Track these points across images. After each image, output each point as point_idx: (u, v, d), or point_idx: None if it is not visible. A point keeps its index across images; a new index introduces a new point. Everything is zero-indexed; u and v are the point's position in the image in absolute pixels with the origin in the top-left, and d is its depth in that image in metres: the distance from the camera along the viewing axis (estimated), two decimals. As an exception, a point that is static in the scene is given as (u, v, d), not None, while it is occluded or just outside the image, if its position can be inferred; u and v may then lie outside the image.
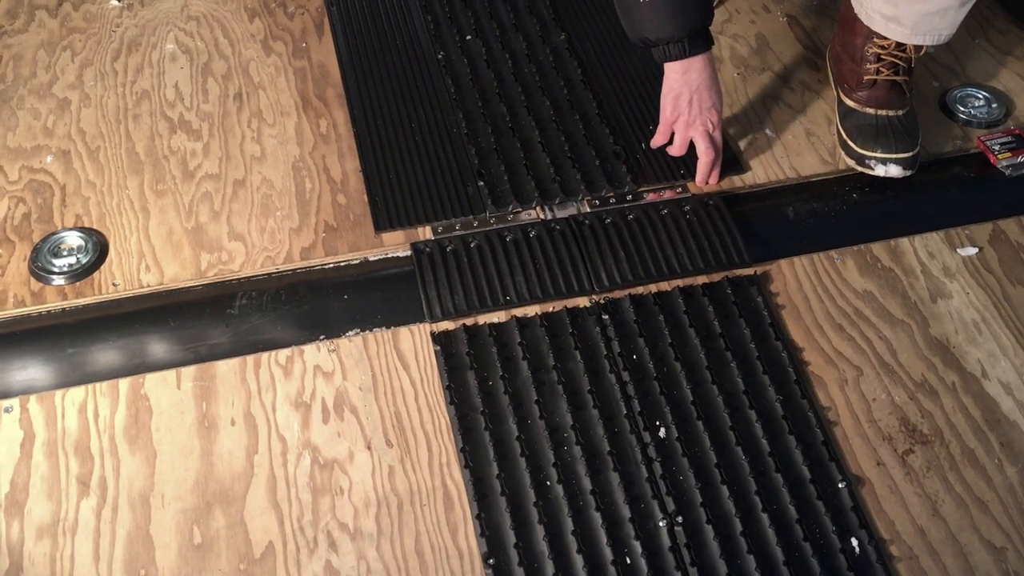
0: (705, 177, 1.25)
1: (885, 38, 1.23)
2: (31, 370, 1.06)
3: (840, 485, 0.99)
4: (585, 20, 1.49)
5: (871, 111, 1.26)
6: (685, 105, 1.21)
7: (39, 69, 1.42)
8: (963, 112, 1.36)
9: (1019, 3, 1.52)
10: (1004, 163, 1.27)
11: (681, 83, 1.20)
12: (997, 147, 1.28)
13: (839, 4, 1.49)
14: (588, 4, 1.52)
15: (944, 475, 1.01)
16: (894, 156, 1.23)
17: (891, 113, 1.25)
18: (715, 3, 1.53)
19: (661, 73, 1.21)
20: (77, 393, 1.05)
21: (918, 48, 1.23)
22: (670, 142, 1.27)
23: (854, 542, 0.96)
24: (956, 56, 1.45)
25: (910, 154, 1.23)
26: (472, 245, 1.17)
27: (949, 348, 1.12)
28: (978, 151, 1.31)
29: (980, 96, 1.38)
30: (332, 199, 1.24)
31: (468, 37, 1.47)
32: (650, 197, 1.24)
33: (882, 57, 1.24)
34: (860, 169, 1.26)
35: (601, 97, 1.37)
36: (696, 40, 1.15)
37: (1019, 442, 1.04)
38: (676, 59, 1.17)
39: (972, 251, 1.21)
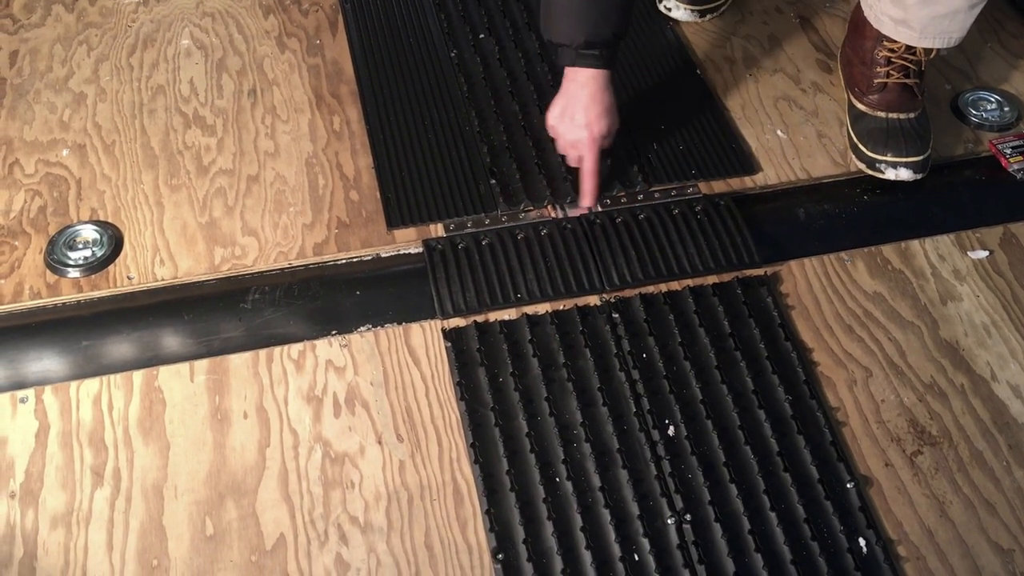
0: (584, 197, 1.22)
1: (895, 41, 1.23)
2: (46, 361, 1.08)
3: (848, 485, 1.00)
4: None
5: (882, 114, 1.26)
6: (557, 114, 1.19)
7: (55, 63, 1.43)
8: (975, 115, 1.36)
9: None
10: (1016, 167, 1.27)
11: (563, 89, 1.17)
12: (1009, 151, 1.29)
13: (851, 6, 1.50)
14: (601, 4, 1.52)
15: (952, 477, 1.02)
16: (905, 160, 1.23)
17: (902, 116, 1.25)
18: (724, 5, 1.53)
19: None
20: (92, 384, 1.06)
21: (928, 51, 1.23)
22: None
23: (861, 542, 0.96)
24: (968, 59, 1.45)
25: (921, 158, 1.24)
26: (484, 243, 1.18)
27: (959, 350, 1.12)
28: (989, 154, 1.31)
29: (992, 99, 1.38)
30: (345, 195, 1.25)
31: (481, 36, 1.47)
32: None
33: (892, 60, 1.25)
34: (870, 173, 1.26)
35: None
36: (586, 52, 1.11)
37: (1027, 445, 1.04)
38: (566, 64, 1.14)
39: (983, 254, 1.21)
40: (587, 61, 1.12)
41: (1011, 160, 1.27)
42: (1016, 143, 1.29)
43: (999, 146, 1.30)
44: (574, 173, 1.23)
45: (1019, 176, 1.27)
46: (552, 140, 1.25)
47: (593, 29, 1.10)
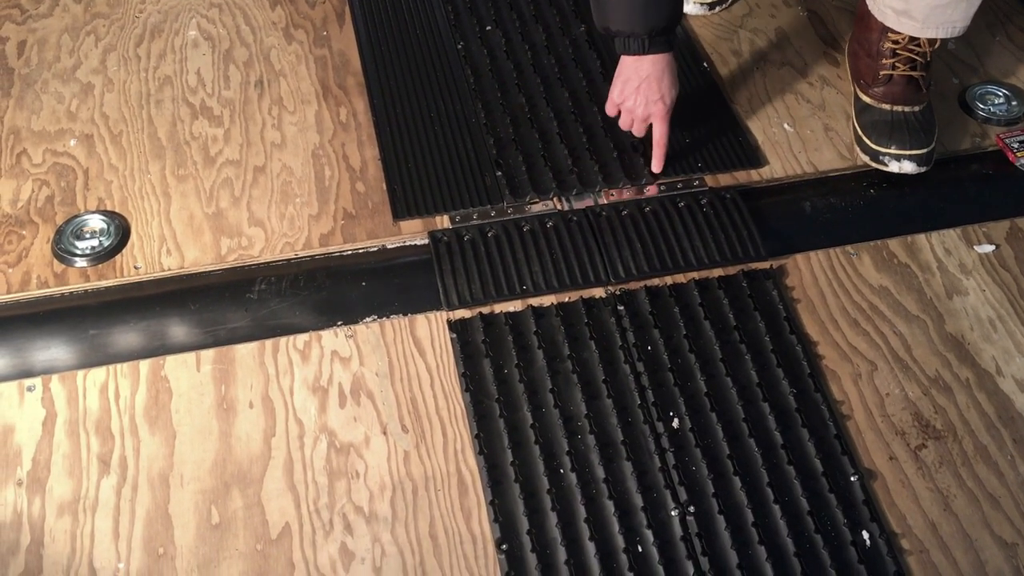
0: (656, 163, 1.26)
1: (898, 32, 1.23)
2: (53, 350, 1.08)
3: (852, 478, 1.00)
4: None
5: (887, 107, 1.26)
6: (632, 91, 1.21)
7: (63, 53, 1.44)
8: (982, 109, 1.36)
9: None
10: (1023, 161, 1.27)
11: (632, 70, 1.20)
12: (1016, 145, 1.28)
13: (859, -1, 1.50)
14: (608, -4, 1.52)
15: (956, 470, 1.02)
16: (908, 152, 1.23)
17: (907, 109, 1.25)
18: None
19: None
20: (98, 373, 1.06)
21: (932, 42, 1.22)
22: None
23: (865, 535, 0.96)
24: (976, 53, 1.44)
25: (925, 151, 1.23)
26: (489, 234, 1.18)
27: (964, 345, 1.12)
28: (996, 148, 1.31)
29: (1000, 93, 1.38)
30: (351, 187, 1.25)
31: (488, 28, 1.47)
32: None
33: (897, 52, 1.24)
34: (874, 165, 1.26)
35: (619, 90, 1.37)
36: (656, 40, 1.15)
37: (1032, 439, 1.04)
38: (634, 54, 1.17)
39: (989, 248, 1.21)
40: (658, 48, 1.16)
41: (1018, 154, 1.27)
42: (1023, 137, 1.29)
43: (1006, 140, 1.29)
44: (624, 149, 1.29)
45: None
46: (600, 125, 1.32)
47: (664, 18, 1.14)
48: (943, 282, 1.18)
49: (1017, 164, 1.27)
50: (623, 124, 1.27)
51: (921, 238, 1.22)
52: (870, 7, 1.25)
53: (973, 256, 1.20)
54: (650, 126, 1.24)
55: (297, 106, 1.35)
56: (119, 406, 1.04)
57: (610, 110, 1.27)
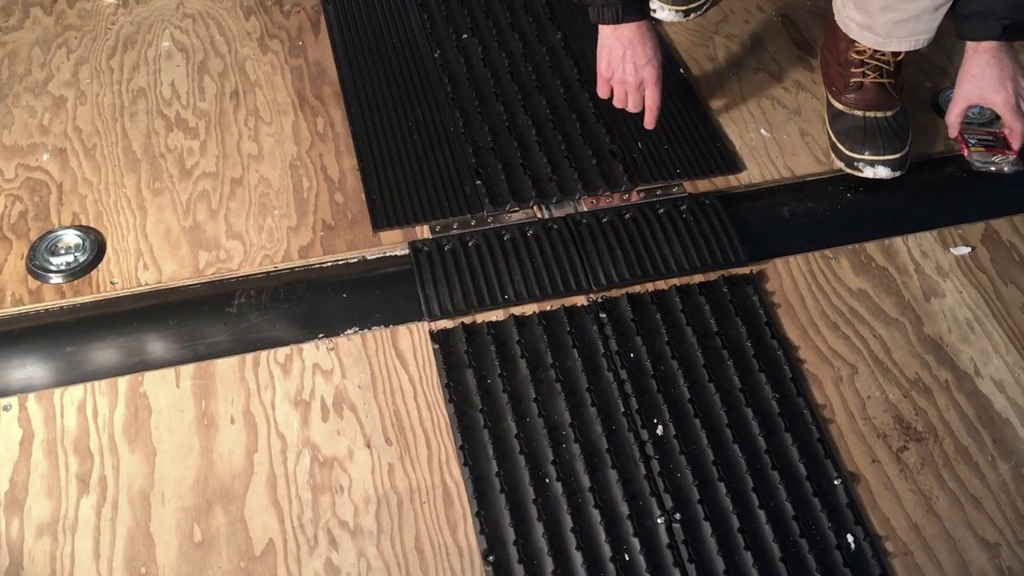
0: (649, 124, 1.26)
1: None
2: (30, 368, 1.07)
3: (836, 482, 1.00)
4: (581, 19, 1.50)
5: (859, 113, 1.27)
6: (619, 60, 1.21)
7: (34, 66, 1.42)
8: (955, 112, 1.37)
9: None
10: (975, 156, 1.26)
11: (613, 40, 1.20)
12: (973, 141, 1.27)
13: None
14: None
15: (938, 472, 1.02)
16: (882, 158, 1.24)
17: (879, 115, 1.26)
18: (707, 3, 1.54)
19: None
20: (76, 391, 1.05)
21: (896, 53, 1.24)
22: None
23: (850, 538, 0.97)
24: (947, 56, 1.46)
25: (898, 155, 1.25)
26: (470, 244, 1.18)
27: (943, 346, 1.13)
28: (970, 151, 1.32)
29: (972, 96, 1.39)
30: (330, 198, 1.24)
31: (464, 36, 1.47)
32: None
33: (865, 61, 1.26)
34: (849, 171, 1.27)
35: (597, 97, 1.37)
36: (629, 7, 1.15)
37: (1011, 439, 1.05)
38: (608, 23, 1.17)
39: (965, 250, 1.22)
40: (631, 15, 1.16)
41: (972, 149, 1.26)
42: (983, 136, 1.28)
43: (965, 135, 1.28)
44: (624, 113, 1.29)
45: (974, 165, 1.26)
46: (593, 110, 1.32)
47: None
48: (920, 284, 1.19)
49: (968, 158, 1.26)
50: (617, 100, 1.26)
51: (898, 241, 1.23)
52: (836, 18, 1.26)
53: (949, 258, 1.21)
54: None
55: (274, 117, 1.35)
56: (98, 424, 1.03)
57: (602, 90, 1.26)
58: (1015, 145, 1.18)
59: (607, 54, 1.22)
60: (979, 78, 1.15)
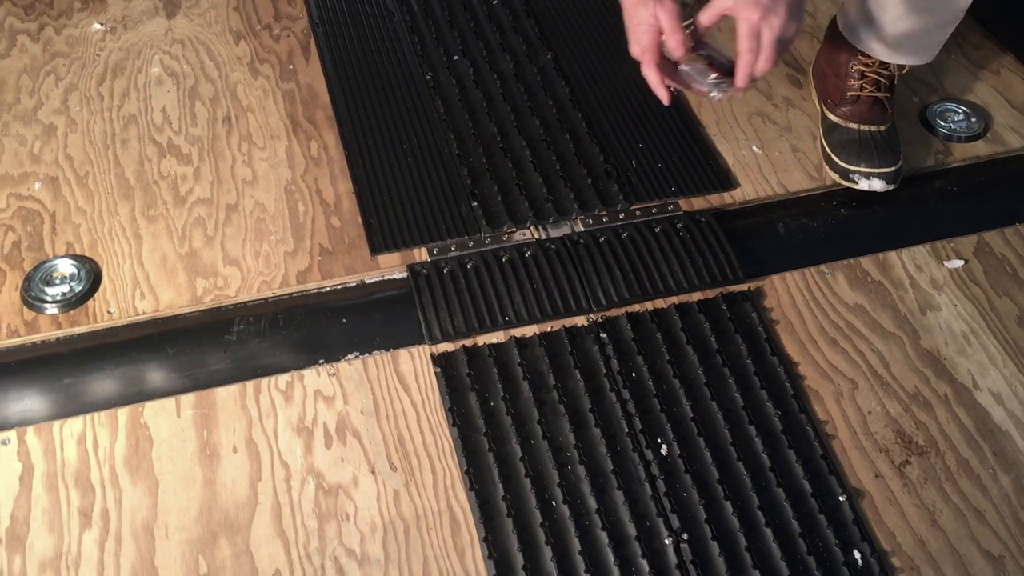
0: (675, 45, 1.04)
1: (869, 56, 1.25)
2: (27, 401, 1.05)
3: (841, 498, 1.01)
4: (571, 39, 1.51)
5: (854, 126, 1.28)
6: (634, 7, 1.02)
7: (23, 95, 1.41)
8: (943, 126, 1.39)
9: (993, 18, 1.56)
10: (687, 67, 1.07)
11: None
12: (704, 53, 1.08)
13: (819, 20, 1.52)
14: (574, 23, 1.54)
15: (941, 486, 1.03)
16: (877, 170, 1.25)
17: (873, 128, 1.28)
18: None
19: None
20: (75, 424, 1.04)
21: (901, 66, 1.26)
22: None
23: (857, 555, 0.97)
24: (935, 72, 1.48)
25: (892, 168, 1.26)
26: (468, 266, 1.18)
27: (940, 360, 1.14)
28: (960, 165, 1.34)
29: (959, 110, 1.41)
30: (326, 222, 1.24)
31: (455, 57, 1.47)
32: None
33: (865, 74, 1.27)
34: (844, 183, 1.28)
35: (590, 116, 1.38)
36: None
37: (1011, 451, 1.06)
38: None
39: (958, 263, 1.23)
40: None
41: (694, 56, 1.07)
42: (716, 55, 1.09)
43: (699, 47, 1.08)
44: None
45: (680, 73, 1.08)
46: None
47: None
48: (916, 298, 1.20)
49: (680, 65, 1.07)
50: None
51: (892, 255, 1.24)
52: (842, 29, 1.28)
53: (943, 272, 1.22)
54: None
55: (267, 141, 1.34)
56: (98, 456, 1.02)
57: (633, 48, 1.05)
58: (740, 75, 1.03)
59: (630, 5, 1.02)
60: None
